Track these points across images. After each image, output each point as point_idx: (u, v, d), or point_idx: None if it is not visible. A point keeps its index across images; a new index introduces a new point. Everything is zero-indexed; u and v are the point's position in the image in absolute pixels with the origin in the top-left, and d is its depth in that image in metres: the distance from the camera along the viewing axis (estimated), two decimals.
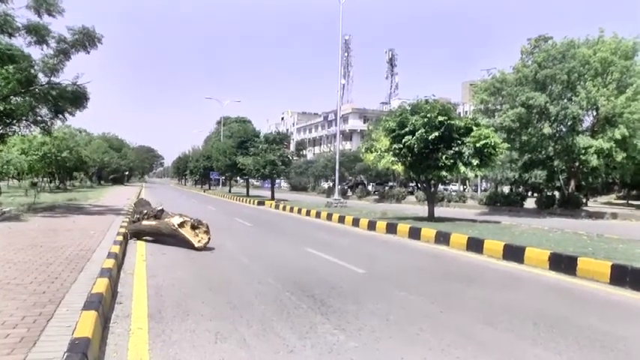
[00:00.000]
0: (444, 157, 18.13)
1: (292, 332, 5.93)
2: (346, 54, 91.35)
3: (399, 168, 19.66)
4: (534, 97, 26.73)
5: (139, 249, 12.49)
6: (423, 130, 17.88)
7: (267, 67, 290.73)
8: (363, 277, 9.59)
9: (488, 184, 55.27)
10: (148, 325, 6.09)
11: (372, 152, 20.59)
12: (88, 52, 21.03)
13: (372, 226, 18.66)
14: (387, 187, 49.89)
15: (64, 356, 4.26)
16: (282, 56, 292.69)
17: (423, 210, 24.31)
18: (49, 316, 5.62)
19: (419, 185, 23.41)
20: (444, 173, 18.71)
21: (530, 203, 33.14)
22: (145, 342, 5.52)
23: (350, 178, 57.40)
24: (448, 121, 17.96)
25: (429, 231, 15.36)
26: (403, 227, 16.72)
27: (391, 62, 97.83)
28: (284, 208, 30.43)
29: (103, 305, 6.13)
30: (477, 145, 17.90)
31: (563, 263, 10.29)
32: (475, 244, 13.09)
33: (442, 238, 14.54)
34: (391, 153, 19.18)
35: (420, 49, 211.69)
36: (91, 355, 4.60)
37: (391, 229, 17.36)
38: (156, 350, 5.26)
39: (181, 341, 5.56)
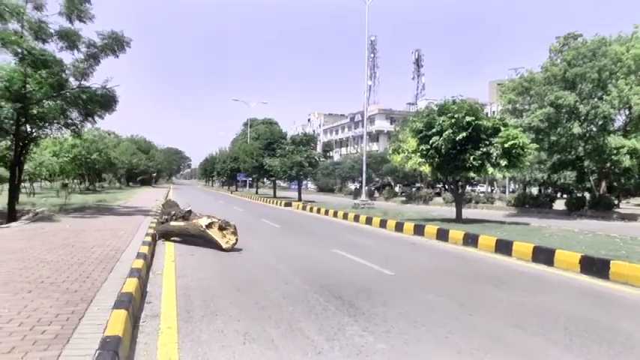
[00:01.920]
0: (471, 157, 17.90)
1: (320, 333, 5.92)
2: (372, 55, 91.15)
3: (426, 169, 19.48)
4: (563, 96, 26.23)
5: (168, 249, 12.64)
6: (450, 130, 17.70)
7: (294, 69, 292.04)
8: (390, 279, 9.52)
9: (516, 186, 54.45)
10: (177, 325, 6.15)
11: (399, 153, 20.44)
12: (117, 56, 21.44)
13: (399, 227, 18.53)
14: (414, 189, 49.55)
15: (96, 354, 4.35)
16: (308, 58, 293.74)
17: (450, 211, 24.09)
18: (81, 315, 5.72)
19: (446, 186, 23.22)
20: (471, 174, 18.50)
21: (559, 205, 32.49)
22: (175, 341, 5.58)
23: (377, 179, 57.05)
24: (476, 122, 17.73)
25: (456, 233, 15.19)
26: (431, 229, 16.58)
27: (417, 62, 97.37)
28: (311, 210, 30.44)
29: (133, 304, 6.23)
30: (505, 145, 17.63)
31: (595, 266, 10.03)
32: (504, 246, 12.89)
33: (470, 240, 14.35)
34: (418, 154, 19.01)
35: (446, 48, 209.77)
36: (122, 353, 4.68)
37: (419, 230, 17.22)
38: (185, 350, 5.31)
39: (210, 341, 5.60)
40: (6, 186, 30.15)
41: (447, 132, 17.71)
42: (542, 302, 7.83)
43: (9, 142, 21.58)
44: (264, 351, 5.34)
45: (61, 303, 6.20)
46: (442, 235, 15.74)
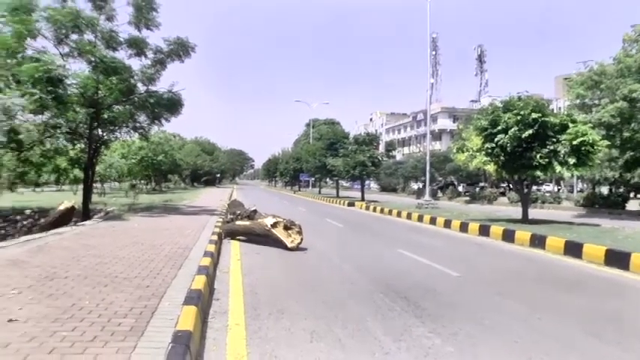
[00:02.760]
0: (538, 156, 17.29)
1: (387, 334, 5.86)
2: (434, 52, 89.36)
3: (490, 168, 18.97)
4: (638, 89, 24.82)
5: (233, 248, 12.87)
6: (515, 128, 17.17)
7: (355, 69, 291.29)
8: (457, 280, 9.33)
9: (585, 185, 52.09)
10: (245, 322, 6.25)
11: (463, 152, 20.01)
12: (182, 61, 22.15)
13: (464, 227, 18.20)
14: (477, 188, 48.40)
15: (169, 347, 4.48)
16: (369, 57, 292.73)
17: (515, 212, 23.36)
18: (154, 309, 5.91)
19: (510, 186, 22.47)
20: (538, 173, 17.89)
21: (633, 205, 30.86)
22: (243, 338, 5.66)
23: (440, 178, 56.11)
24: (542, 118, 17.13)
25: (523, 234, 14.72)
26: (496, 229, 16.17)
27: (480, 59, 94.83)
28: (374, 209, 30.27)
29: (202, 301, 6.36)
30: (574, 142, 16.92)
31: None
32: (573, 249, 12.32)
33: (537, 242, 13.85)
34: (483, 152, 18.54)
35: (509, 43, 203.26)
36: (193, 347, 4.81)
37: (484, 231, 16.84)
38: (253, 346, 5.38)
39: (278, 339, 5.65)
40: (80, 186, 31.75)
41: (512, 129, 17.20)
42: (617, 309, 7.44)
43: (82, 145, 22.60)
44: (331, 350, 5.33)
45: (134, 297, 6.44)
46: (508, 236, 15.31)
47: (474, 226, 17.65)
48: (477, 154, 18.85)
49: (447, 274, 9.89)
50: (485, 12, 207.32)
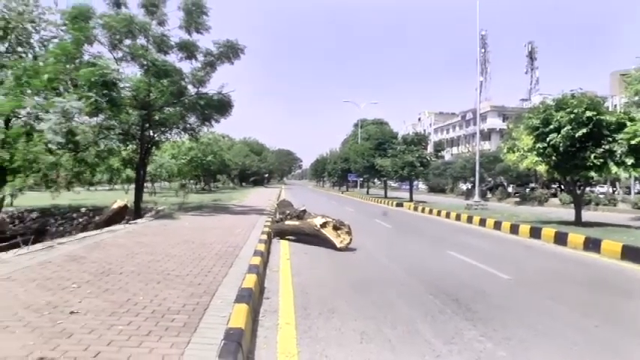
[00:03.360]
0: (592, 156, 16.67)
1: (437, 337, 5.78)
2: (483, 50, 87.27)
3: (542, 168, 18.45)
4: None
5: (283, 248, 12.97)
6: (569, 127, 16.61)
7: (403, 68, 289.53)
8: (507, 283, 9.11)
9: None
10: (295, 321, 6.28)
11: (514, 152, 19.53)
12: (232, 63, 22.48)
13: (514, 229, 17.80)
14: (527, 189, 47.15)
15: (222, 344, 4.56)
16: (417, 56, 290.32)
17: (568, 214, 22.64)
18: (206, 306, 6.02)
19: (562, 187, 21.73)
20: (592, 174, 17.23)
21: None
22: (293, 337, 5.70)
23: (489, 179, 54.90)
24: (597, 117, 16.50)
25: (576, 236, 14.24)
26: (548, 232, 15.72)
27: (531, 55, 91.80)
28: (423, 210, 29.94)
29: (253, 299, 6.43)
30: (632, 142, 16.23)
31: None
32: (631, 253, 11.82)
33: (592, 245, 13.36)
34: (534, 152, 18.04)
35: (561, 39, 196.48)
36: (244, 344, 4.87)
37: (535, 233, 16.40)
38: (303, 346, 5.41)
39: (328, 339, 5.66)
40: (132, 186, 32.67)
41: (565, 128, 16.64)
42: None
43: (134, 146, 23.23)
44: (381, 351, 5.31)
45: (186, 294, 6.58)
46: (560, 239, 14.85)
47: (524, 228, 17.24)
48: (528, 154, 18.36)
49: (497, 276, 9.68)
50: (535, 6, 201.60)
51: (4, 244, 17.84)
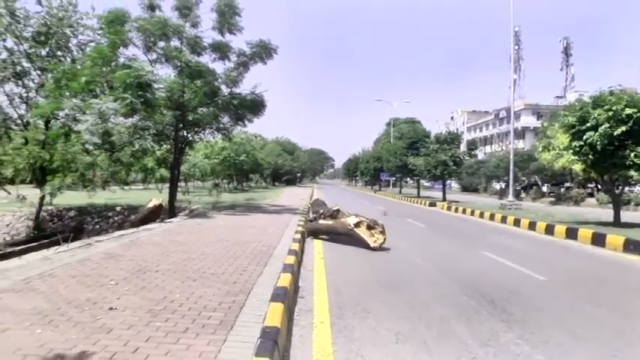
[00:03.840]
0: (632, 154, 16.21)
1: (473, 338, 5.71)
2: (516, 47, 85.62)
3: (578, 167, 18.03)
4: None
5: (317, 247, 12.99)
6: (607, 124, 16.19)
7: (436, 66, 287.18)
8: (544, 285, 8.92)
9: None
10: (330, 320, 6.28)
11: (549, 151, 19.13)
12: (265, 63, 22.60)
13: (549, 230, 17.44)
14: (562, 189, 46.14)
15: (258, 342, 4.59)
16: (450, 54, 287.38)
17: (605, 214, 22.08)
18: (242, 304, 6.08)
19: (599, 187, 21.14)
20: (632, 173, 16.73)
21: None
22: (328, 336, 5.70)
23: (523, 178, 53.91)
24: (637, 114, 16.05)
25: (615, 238, 13.86)
26: (585, 232, 15.35)
27: (566, 51, 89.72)
28: (456, 210, 29.61)
29: (288, 298, 6.45)
30: None
31: None
32: None
33: (632, 247, 12.98)
34: (570, 151, 17.65)
35: (597, 33, 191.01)
36: (280, 343, 4.90)
37: (571, 234, 16.04)
38: (339, 345, 5.40)
39: (363, 338, 5.64)
40: (165, 185, 33.17)
41: (603, 126, 16.22)
42: None
43: (168, 146, 23.57)
44: (417, 352, 5.27)
45: (222, 292, 6.65)
46: (598, 240, 14.46)
47: (560, 229, 16.87)
48: (564, 152, 17.97)
49: (533, 277, 9.50)
50: (570, 1, 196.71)
51: (44, 241, 18.37)
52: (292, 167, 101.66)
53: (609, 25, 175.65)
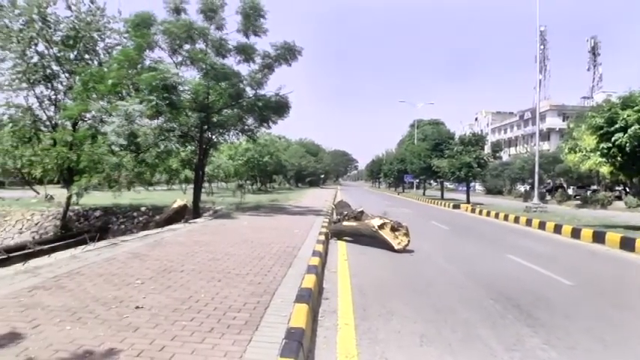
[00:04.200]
0: None
1: (498, 342, 5.64)
2: (542, 47, 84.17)
3: (605, 170, 17.68)
4: None
5: (340, 248, 12.97)
6: (637, 126, 15.85)
7: (460, 67, 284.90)
8: (571, 290, 8.75)
9: None
10: (354, 322, 6.27)
11: (575, 152, 18.81)
12: (290, 65, 22.70)
13: (575, 233, 17.12)
14: (589, 191, 45.30)
15: (283, 342, 4.60)
16: (473, 54, 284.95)
17: (634, 217, 21.69)
18: (266, 305, 6.10)
19: (627, 189, 20.68)
20: None
21: None
22: (353, 337, 5.68)
23: (548, 181, 53.13)
24: None
25: None
26: (613, 236, 15.03)
27: (594, 51, 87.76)
28: (480, 212, 29.30)
29: (312, 299, 6.46)
30: None
31: None
32: None
33: None
34: (598, 153, 17.32)
35: (627, 31, 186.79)
36: (305, 344, 4.90)
37: (598, 237, 15.72)
38: (363, 347, 5.38)
39: (387, 341, 5.62)
40: (189, 186, 33.49)
41: (632, 128, 15.90)
42: None
43: (193, 147, 23.79)
44: (441, 355, 5.23)
45: (247, 293, 6.69)
46: (627, 244, 14.13)
47: (586, 232, 16.54)
48: (591, 154, 17.65)
49: (559, 282, 9.33)
50: None
51: (71, 240, 18.70)
52: (316, 169, 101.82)
53: (638, 23, 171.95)
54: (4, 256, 17.18)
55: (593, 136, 17.55)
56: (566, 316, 6.86)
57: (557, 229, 18.60)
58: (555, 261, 12.09)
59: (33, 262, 8.60)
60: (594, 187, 47.58)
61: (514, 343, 5.62)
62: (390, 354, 5.19)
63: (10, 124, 22.21)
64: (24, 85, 21.56)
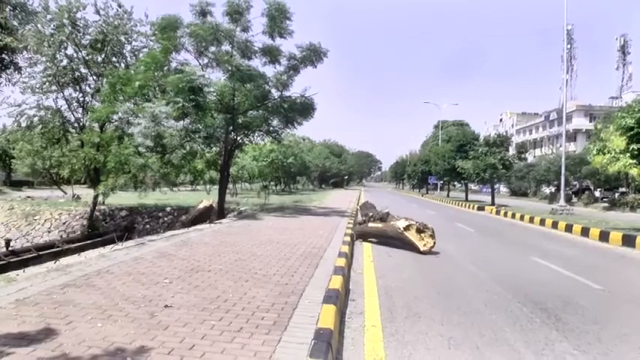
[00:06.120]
0: None
1: (527, 346, 5.58)
2: (569, 46, 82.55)
3: (636, 172, 17.30)
4: None
5: (366, 250, 12.94)
6: None
7: (484, 67, 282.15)
8: (600, 294, 8.58)
9: None
10: (381, 324, 6.26)
11: (603, 154, 18.42)
12: (315, 67, 22.74)
13: (604, 237, 16.80)
14: (617, 194, 44.36)
15: (312, 343, 4.62)
16: (499, 54, 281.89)
17: None
18: (294, 306, 6.13)
19: None
20: None
21: None
22: (380, 339, 5.67)
23: (574, 182, 52.19)
24: None
25: None
26: None
27: (623, 50, 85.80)
28: (505, 214, 28.98)
29: (339, 301, 6.46)
30: None
31: None
32: None
33: None
34: (628, 155, 16.96)
35: None
36: (333, 345, 4.89)
37: (628, 241, 15.38)
38: (390, 349, 5.38)
39: (415, 343, 5.59)
40: (213, 187, 33.76)
41: None
42: None
43: (218, 149, 23.97)
44: (469, 358, 5.20)
45: (274, 293, 6.72)
46: None
47: (615, 235, 16.20)
48: (620, 156, 17.29)
49: (588, 286, 9.17)
50: None
51: (98, 239, 19.02)
52: (339, 170, 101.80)
53: None
54: (35, 254, 17.64)
55: (622, 137, 17.21)
56: (596, 321, 6.73)
57: (585, 231, 18.28)
58: (583, 265, 11.87)
59: (64, 260, 8.80)
60: (623, 189, 46.59)
61: (543, 348, 5.55)
62: (418, 356, 5.18)
63: (40, 126, 22.74)
64: (54, 87, 22.09)
